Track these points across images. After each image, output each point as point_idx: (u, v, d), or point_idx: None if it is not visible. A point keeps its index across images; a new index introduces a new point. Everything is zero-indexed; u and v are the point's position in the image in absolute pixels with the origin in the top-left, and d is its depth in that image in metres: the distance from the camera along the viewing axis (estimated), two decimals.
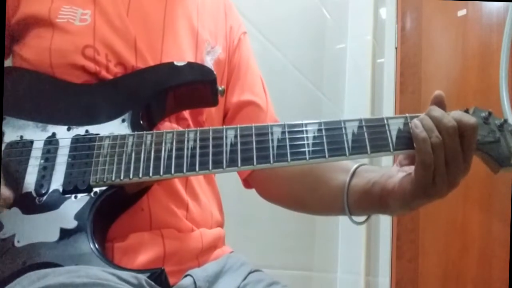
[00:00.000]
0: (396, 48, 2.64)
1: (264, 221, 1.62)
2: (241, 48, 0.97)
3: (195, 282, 0.73)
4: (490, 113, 0.75)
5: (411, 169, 0.72)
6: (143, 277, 0.62)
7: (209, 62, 0.87)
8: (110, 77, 0.76)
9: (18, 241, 0.63)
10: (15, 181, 0.67)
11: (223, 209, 0.93)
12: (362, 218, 0.82)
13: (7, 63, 0.80)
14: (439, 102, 0.72)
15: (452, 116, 0.70)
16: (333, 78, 2.35)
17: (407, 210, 0.75)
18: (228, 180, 0.96)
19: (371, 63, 2.45)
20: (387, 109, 2.59)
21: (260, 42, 1.68)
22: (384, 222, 2.48)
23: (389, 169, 0.77)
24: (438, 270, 2.33)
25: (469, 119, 0.69)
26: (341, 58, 2.47)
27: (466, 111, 0.74)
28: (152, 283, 0.63)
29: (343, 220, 2.31)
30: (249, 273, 0.82)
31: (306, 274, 2.00)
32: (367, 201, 0.78)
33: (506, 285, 2.07)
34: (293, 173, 0.88)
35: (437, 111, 0.70)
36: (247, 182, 0.95)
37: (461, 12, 2.47)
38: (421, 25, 2.61)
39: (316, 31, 2.20)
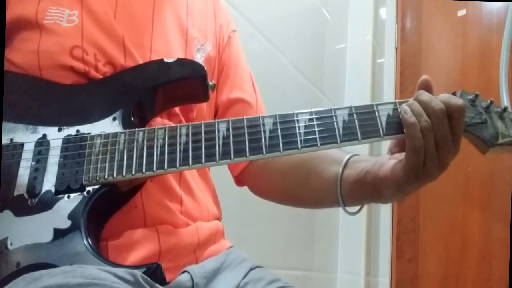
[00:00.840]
0: (396, 48, 2.63)
1: (264, 221, 1.62)
2: (231, 46, 0.97)
3: (192, 279, 0.73)
4: (477, 95, 0.76)
5: (402, 156, 0.72)
6: (139, 273, 0.62)
7: (199, 59, 0.87)
8: (99, 76, 0.76)
9: (11, 244, 0.63)
10: (6, 184, 0.67)
11: (219, 202, 0.92)
12: (355, 208, 0.83)
13: None
14: (426, 87, 0.73)
15: (440, 99, 0.71)
16: (333, 78, 2.35)
17: (401, 196, 0.75)
18: (228, 180, 0.96)
19: (371, 63, 2.45)
20: None
21: (260, 42, 1.68)
22: (384, 223, 2.48)
23: (380, 158, 0.78)
24: (438, 270, 2.33)
25: (457, 101, 0.70)
26: (341, 58, 2.47)
27: (454, 94, 0.75)
28: (148, 278, 0.63)
29: (343, 220, 2.32)
30: (250, 269, 0.83)
31: (306, 274, 2.00)
32: (361, 191, 0.79)
33: (506, 285, 2.07)
34: (285, 167, 0.89)
35: (425, 95, 0.71)
36: (239, 180, 0.96)
37: (461, 12, 2.46)
38: (421, 25, 2.60)
39: (316, 31, 2.20)
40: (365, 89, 2.41)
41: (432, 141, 0.69)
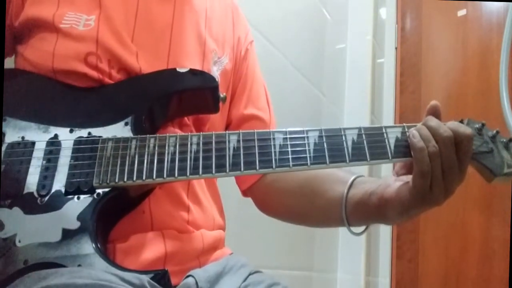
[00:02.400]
0: (396, 48, 2.64)
1: (264, 221, 1.61)
2: (248, 59, 0.97)
3: (196, 283, 0.73)
4: (483, 125, 0.77)
5: (408, 178, 0.73)
6: (146, 278, 0.62)
7: (215, 72, 0.87)
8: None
9: (19, 241, 0.63)
10: (16, 181, 0.67)
11: (224, 213, 0.93)
12: (360, 229, 0.83)
13: (10, 62, 0.80)
14: (435, 112, 0.74)
15: (448, 126, 0.71)
16: (333, 78, 2.35)
17: (405, 218, 0.76)
18: (228, 180, 0.96)
19: (371, 63, 2.45)
20: (387, 109, 2.59)
21: (260, 42, 1.68)
22: None
23: (386, 179, 0.78)
24: (438, 270, 2.33)
25: (465, 129, 0.71)
26: (341, 58, 2.47)
27: (461, 122, 0.76)
28: (155, 284, 0.63)
29: None
30: (249, 274, 0.83)
31: (306, 274, 2.00)
32: (365, 212, 0.79)
33: (506, 285, 2.07)
34: (291, 185, 0.89)
35: (433, 121, 0.72)
36: (246, 194, 0.96)
37: (461, 12, 2.47)
38: (421, 25, 2.61)
39: (316, 31, 2.19)
40: (365, 89, 2.41)
41: (439, 166, 0.70)
